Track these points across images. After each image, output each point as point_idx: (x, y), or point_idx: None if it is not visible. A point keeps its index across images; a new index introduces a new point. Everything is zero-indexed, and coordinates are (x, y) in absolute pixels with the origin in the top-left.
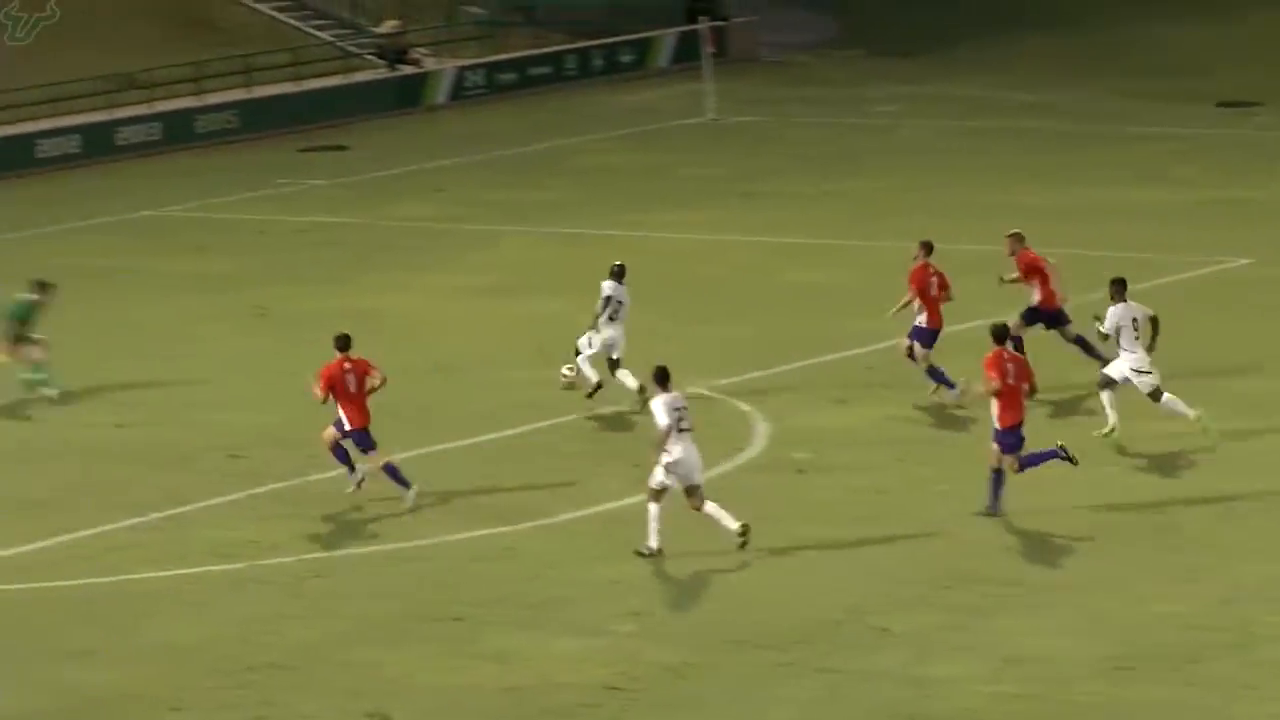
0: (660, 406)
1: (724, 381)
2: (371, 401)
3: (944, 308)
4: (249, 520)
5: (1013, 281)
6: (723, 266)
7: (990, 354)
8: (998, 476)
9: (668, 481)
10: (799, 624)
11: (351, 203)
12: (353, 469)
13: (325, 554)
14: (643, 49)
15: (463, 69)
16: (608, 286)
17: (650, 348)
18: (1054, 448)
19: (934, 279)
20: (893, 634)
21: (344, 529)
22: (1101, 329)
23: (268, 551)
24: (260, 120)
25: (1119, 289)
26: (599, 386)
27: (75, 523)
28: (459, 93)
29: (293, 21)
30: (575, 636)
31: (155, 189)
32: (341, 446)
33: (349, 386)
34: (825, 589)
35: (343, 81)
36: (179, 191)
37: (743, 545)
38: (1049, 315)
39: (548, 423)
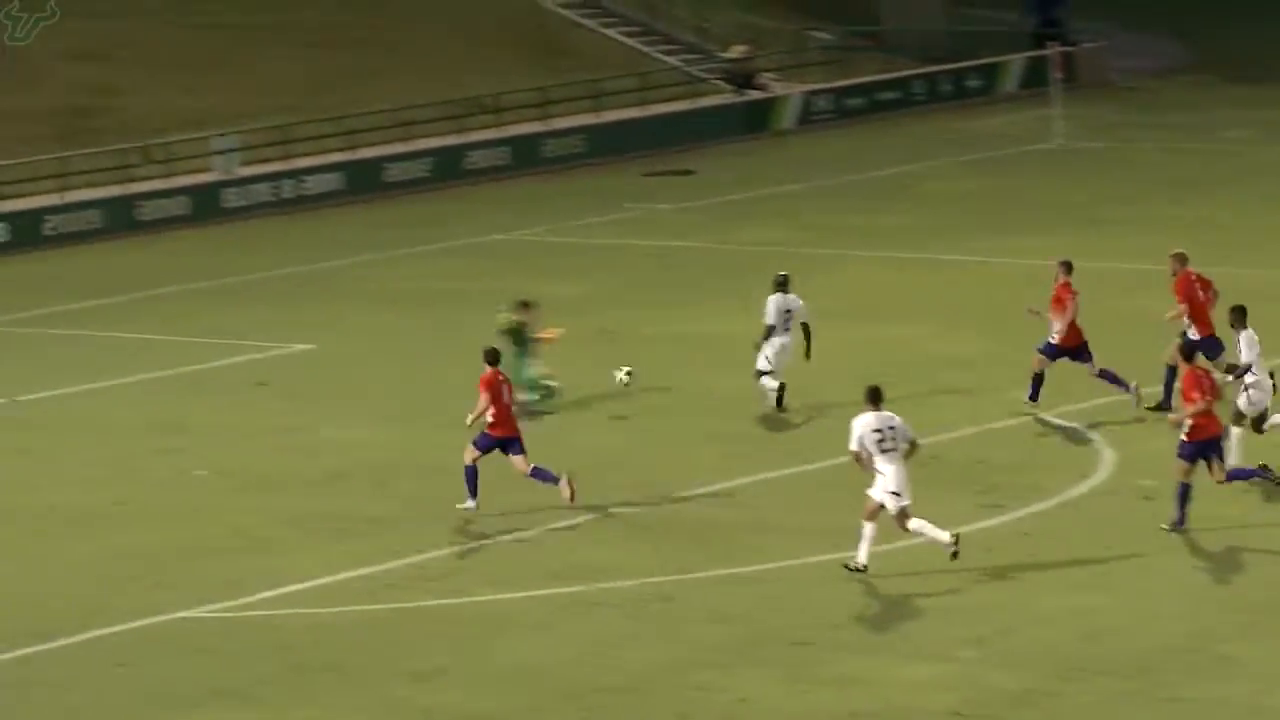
0: (856, 425)
1: (1070, 408)
2: (718, 428)
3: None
4: (593, 543)
5: (1175, 318)
6: None
7: (1186, 374)
8: (1184, 490)
9: (885, 500)
10: (1143, 651)
11: (697, 227)
12: (474, 495)
13: (668, 577)
14: (991, 74)
15: (810, 94)
16: (773, 300)
17: (995, 372)
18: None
19: (1075, 297)
20: (1238, 662)
21: (686, 552)
22: (1238, 364)
23: (611, 574)
24: (607, 145)
25: (1239, 317)
26: (781, 390)
27: (425, 543)
28: (806, 117)
29: (641, 47)
30: (919, 662)
31: (503, 213)
32: (475, 469)
33: (504, 396)
34: (1170, 615)
35: (689, 106)
36: (527, 215)
37: (954, 556)
38: (1207, 343)
39: None
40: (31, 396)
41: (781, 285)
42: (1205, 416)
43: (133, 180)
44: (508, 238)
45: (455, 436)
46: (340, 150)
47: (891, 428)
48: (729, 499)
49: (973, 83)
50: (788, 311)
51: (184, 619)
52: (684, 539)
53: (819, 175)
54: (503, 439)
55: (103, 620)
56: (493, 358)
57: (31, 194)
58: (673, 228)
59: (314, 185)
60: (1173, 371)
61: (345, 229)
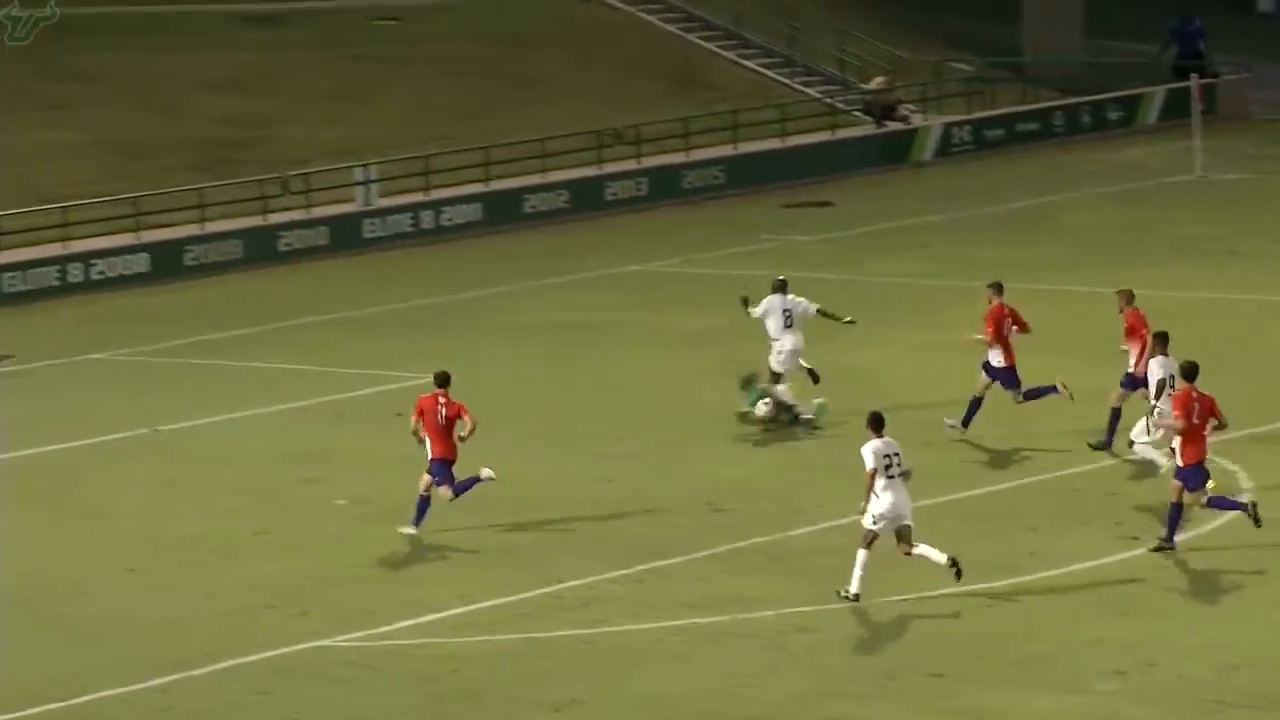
0: (869, 451)
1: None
2: (856, 457)
3: None
4: (730, 573)
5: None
6: (1209, 324)
7: (1180, 392)
8: (1176, 510)
9: (876, 529)
10: None
11: (835, 258)
12: (418, 521)
13: (805, 608)
14: (1130, 106)
15: (949, 125)
16: (777, 300)
17: (1135, 404)
18: (1244, 501)
19: (1008, 318)
20: None
21: (824, 583)
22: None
23: (748, 605)
24: (745, 176)
25: (1161, 342)
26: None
27: (561, 573)
28: (945, 149)
29: (781, 78)
30: (1055, 694)
31: (641, 244)
32: (427, 498)
33: (438, 419)
34: None
35: (829, 138)
36: (665, 247)
37: (958, 576)
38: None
39: (1021, 481)
40: (173, 426)
41: (781, 288)
42: (1196, 440)
43: (272, 211)
44: (644, 269)
45: (592, 468)
46: (479, 181)
47: (897, 454)
48: None
49: (1112, 114)
50: (787, 311)
51: (323, 648)
52: (822, 569)
53: (957, 207)
54: (435, 460)
55: (243, 649)
56: (441, 380)
57: (173, 224)
58: (810, 259)
59: (453, 216)
60: (1117, 413)
61: (483, 260)
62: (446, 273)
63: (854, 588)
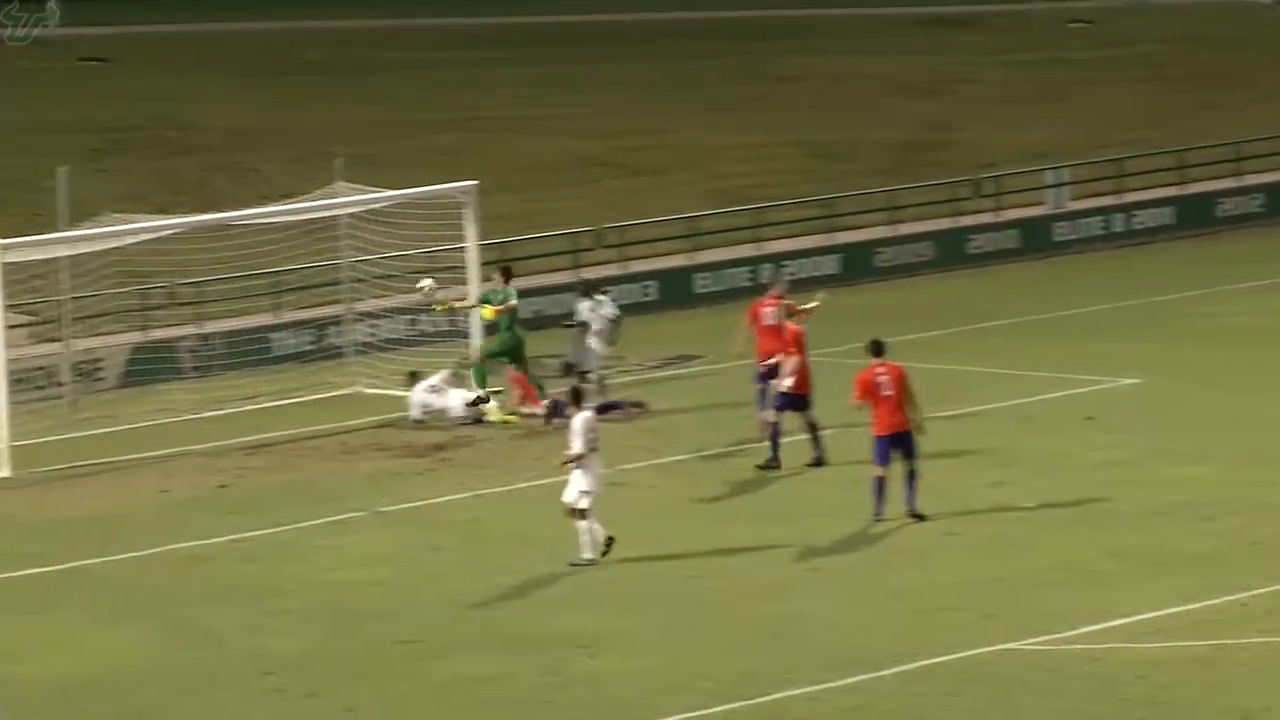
0: (579, 422)
1: None
2: None
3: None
4: None
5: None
6: None
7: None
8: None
9: (588, 504)
10: None
11: None
12: None
13: None
14: None
15: None
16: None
17: None
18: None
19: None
20: None
21: None
22: None
23: None
24: None
25: None
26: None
27: (1251, 580)
28: None
29: None
30: None
31: None
32: None
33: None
34: None
35: None
36: None
37: (605, 552)
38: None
39: None
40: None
41: (583, 293)
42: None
43: (963, 214)
44: None
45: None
46: (1172, 185)
47: (593, 430)
48: None
49: None
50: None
51: (1009, 651)
52: None
53: None
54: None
55: (930, 650)
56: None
57: (864, 226)
58: None
59: (1144, 219)
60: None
61: (1174, 264)
62: (1136, 277)
63: (587, 554)
